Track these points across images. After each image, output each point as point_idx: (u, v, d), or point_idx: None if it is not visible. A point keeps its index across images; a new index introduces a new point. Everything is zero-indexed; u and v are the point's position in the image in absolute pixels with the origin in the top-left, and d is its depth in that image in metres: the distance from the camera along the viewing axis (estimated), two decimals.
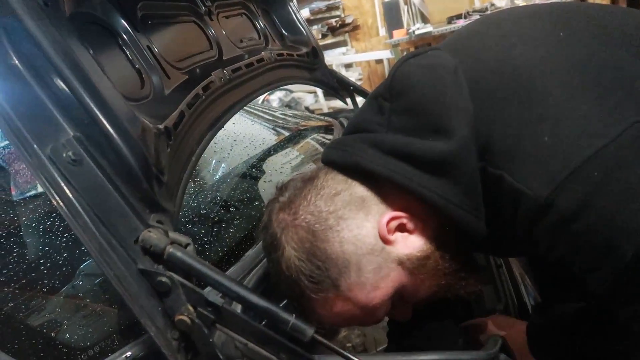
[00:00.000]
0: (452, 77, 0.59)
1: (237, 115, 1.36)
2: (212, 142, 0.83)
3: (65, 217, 0.46)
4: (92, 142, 0.51)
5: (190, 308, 0.50)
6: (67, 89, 0.50)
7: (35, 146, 0.46)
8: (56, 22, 0.51)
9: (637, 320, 0.55)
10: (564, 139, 0.52)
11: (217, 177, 1.16)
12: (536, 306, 0.92)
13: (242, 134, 1.30)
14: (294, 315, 0.51)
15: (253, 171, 1.23)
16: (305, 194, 0.64)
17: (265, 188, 1.17)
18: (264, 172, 1.24)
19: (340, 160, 0.65)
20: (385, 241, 0.62)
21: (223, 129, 0.89)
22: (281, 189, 0.69)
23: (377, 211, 0.63)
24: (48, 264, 0.73)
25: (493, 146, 0.56)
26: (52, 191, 0.46)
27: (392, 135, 0.61)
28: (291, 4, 1.38)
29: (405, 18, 4.70)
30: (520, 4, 3.70)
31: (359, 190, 0.64)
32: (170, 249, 0.50)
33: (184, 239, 0.54)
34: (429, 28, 3.96)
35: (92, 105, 0.50)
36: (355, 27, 5.26)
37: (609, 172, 0.50)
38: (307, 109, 4.79)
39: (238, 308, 0.55)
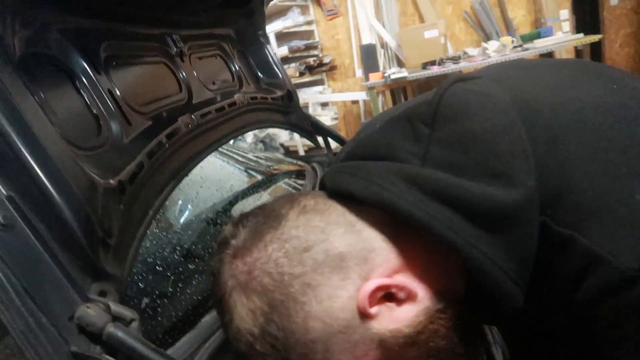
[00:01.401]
0: (513, 112, 0.48)
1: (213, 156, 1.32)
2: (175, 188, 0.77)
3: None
4: (28, 202, 0.45)
5: None
6: (1, 140, 0.44)
7: None
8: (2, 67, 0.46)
9: None
10: None
11: (179, 225, 1.09)
12: None
13: (210, 178, 1.24)
14: None
15: (220, 218, 1.17)
16: (265, 243, 0.49)
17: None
18: (231, 218, 1.18)
19: (361, 193, 0.49)
20: (365, 315, 0.48)
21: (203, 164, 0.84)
22: (236, 224, 0.52)
23: (359, 274, 0.48)
24: None
25: (563, 200, 0.45)
26: None
27: (433, 171, 0.48)
28: (268, 47, 1.36)
29: (381, 61, 4.82)
30: (492, 54, 3.84)
31: (339, 243, 0.48)
32: (111, 329, 0.44)
33: (129, 313, 0.47)
34: (404, 73, 4.05)
35: (29, 158, 0.44)
36: (332, 67, 5.36)
37: None
38: (281, 145, 4.77)
39: None
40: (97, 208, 0.50)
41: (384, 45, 4.88)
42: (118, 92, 0.72)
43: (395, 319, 0.49)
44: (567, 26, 4.42)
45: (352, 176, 0.52)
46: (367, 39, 4.92)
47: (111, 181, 0.55)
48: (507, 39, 3.99)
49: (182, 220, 1.10)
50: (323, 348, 0.48)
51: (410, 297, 0.49)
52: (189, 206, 1.14)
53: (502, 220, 0.45)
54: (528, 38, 4.11)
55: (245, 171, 1.50)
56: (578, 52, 4.55)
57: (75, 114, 0.62)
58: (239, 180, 1.39)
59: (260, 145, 4.48)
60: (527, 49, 3.80)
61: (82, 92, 0.65)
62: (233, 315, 0.49)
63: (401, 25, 4.92)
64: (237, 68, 1.25)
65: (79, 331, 0.44)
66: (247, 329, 0.48)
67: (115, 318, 0.46)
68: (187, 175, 0.81)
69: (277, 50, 4.50)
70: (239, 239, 0.51)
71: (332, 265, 0.48)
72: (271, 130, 4.48)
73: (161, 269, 0.82)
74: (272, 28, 4.60)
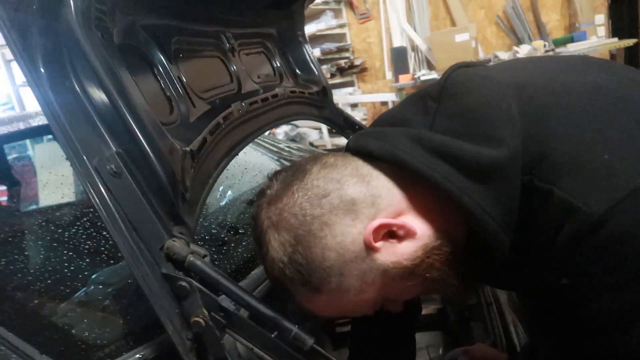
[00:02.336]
0: (507, 90, 0.60)
1: (248, 146, 1.45)
2: (226, 167, 0.90)
3: (104, 220, 0.53)
4: (130, 158, 0.58)
5: (205, 312, 0.55)
6: (114, 110, 0.57)
7: (84, 157, 0.53)
8: (109, 52, 0.59)
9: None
10: (625, 159, 0.53)
11: (228, 201, 1.22)
12: (524, 346, 0.95)
13: (252, 163, 1.37)
14: (296, 326, 0.56)
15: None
16: (292, 192, 0.61)
17: None
18: None
19: (377, 151, 0.62)
20: (371, 248, 0.59)
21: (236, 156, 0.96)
22: (271, 179, 0.65)
23: (367, 216, 0.59)
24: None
25: (545, 160, 0.55)
26: (96, 198, 0.53)
27: (436, 134, 0.59)
28: (306, 46, 1.48)
29: (411, 64, 4.89)
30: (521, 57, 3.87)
31: (351, 190, 0.60)
32: (191, 258, 0.56)
33: (202, 250, 0.60)
34: (434, 75, 4.12)
35: (133, 125, 0.57)
36: (363, 69, 5.45)
37: None
38: (311, 144, 4.90)
39: (247, 316, 0.60)
40: (178, 168, 0.62)
41: (414, 48, 4.95)
42: (185, 80, 0.85)
43: (396, 253, 0.60)
44: (602, 31, 4.39)
45: (371, 137, 0.65)
46: (398, 42, 5.00)
47: (186, 149, 0.68)
48: (538, 43, 4.01)
49: (225, 200, 1.23)
50: (337, 273, 0.60)
51: (410, 234, 0.60)
52: (230, 189, 1.27)
53: (489, 173, 0.56)
54: (561, 42, 4.11)
55: (279, 160, 1.62)
56: (612, 56, 4.51)
57: (155, 95, 0.75)
58: (273, 167, 1.52)
59: (291, 143, 4.62)
60: (559, 53, 3.80)
61: (159, 78, 0.79)
62: (268, 247, 0.61)
63: (433, 29, 4.98)
64: (279, 64, 1.37)
65: (166, 259, 0.56)
66: (279, 258, 0.60)
67: (193, 252, 0.58)
68: (238, 154, 0.94)
69: None
70: (272, 190, 0.63)
71: (345, 208, 0.60)
72: (301, 130, 4.62)
73: (217, 231, 0.95)
74: (306, 30, 4.73)
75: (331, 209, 0.59)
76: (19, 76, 5.68)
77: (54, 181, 1.30)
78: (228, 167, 0.93)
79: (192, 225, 0.66)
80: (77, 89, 0.56)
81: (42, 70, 0.54)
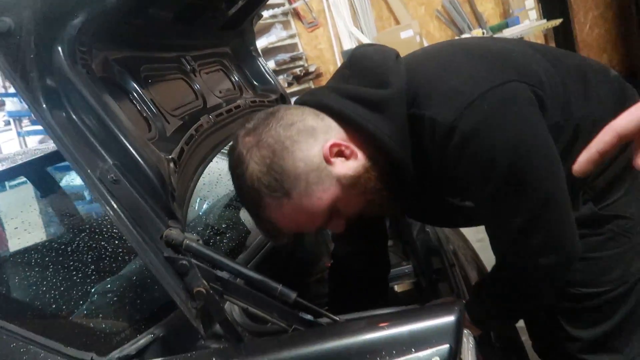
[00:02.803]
0: (393, 55, 0.86)
1: (219, 156, 1.57)
2: (202, 174, 1.02)
3: (113, 220, 0.65)
4: (125, 168, 0.70)
5: (205, 282, 0.67)
6: (106, 130, 0.69)
7: (88, 171, 0.65)
8: (95, 84, 0.71)
9: (524, 233, 0.78)
10: (466, 81, 0.76)
11: (207, 205, 1.34)
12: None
13: (225, 170, 1.50)
14: (280, 285, 0.70)
15: (235, 202, 1.42)
16: (267, 122, 0.81)
17: (244, 216, 1.36)
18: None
19: (310, 101, 0.86)
20: (328, 162, 0.80)
21: (209, 166, 1.09)
22: (246, 119, 0.86)
23: (323, 139, 0.80)
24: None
25: (418, 96, 0.78)
26: (103, 202, 0.65)
27: (349, 85, 0.84)
28: (260, 59, 1.62)
29: None
30: None
31: (310, 122, 0.81)
32: (187, 241, 0.69)
33: (194, 236, 0.72)
34: None
35: (124, 140, 0.70)
36: (318, 75, 5.62)
37: (494, 107, 0.73)
38: None
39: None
40: (166, 172, 0.74)
41: None
42: (157, 101, 0.97)
43: (345, 167, 0.81)
44: (534, 14, 4.70)
45: (306, 95, 0.90)
46: (347, 45, 5.20)
47: (169, 157, 0.80)
48: (477, 32, 4.28)
49: (209, 201, 1.35)
50: (304, 179, 0.79)
51: (353, 155, 0.82)
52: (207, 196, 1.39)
53: (382, 106, 0.79)
54: (497, 28, 4.40)
55: None
56: (545, 37, 4.84)
57: (134, 117, 0.87)
58: None
59: None
60: None
61: (135, 102, 0.91)
62: (248, 163, 0.79)
63: (378, 29, 5.21)
64: (237, 78, 1.51)
65: (166, 245, 0.69)
66: (258, 169, 0.78)
67: (187, 237, 0.70)
68: (212, 159, 1.06)
69: None
70: (250, 124, 0.84)
71: (308, 133, 0.80)
72: None
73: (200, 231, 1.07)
74: (258, 45, 4.87)
75: (298, 132, 0.80)
76: None
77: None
78: (204, 176, 1.05)
79: (182, 219, 0.78)
80: (74, 116, 0.68)
81: (44, 105, 0.66)
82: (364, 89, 0.81)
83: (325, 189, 0.80)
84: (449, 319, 0.62)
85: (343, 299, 1.03)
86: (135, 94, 0.92)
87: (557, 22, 4.33)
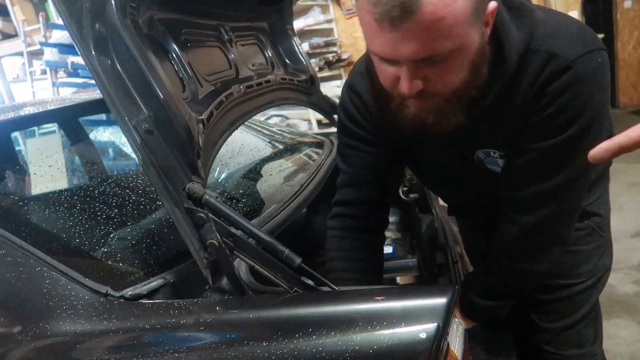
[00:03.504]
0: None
1: (243, 128, 1.62)
2: (225, 143, 1.07)
3: (143, 167, 0.70)
4: (159, 120, 0.75)
5: (218, 236, 0.72)
6: (145, 83, 0.74)
7: (126, 118, 0.70)
8: (140, 39, 0.76)
9: (551, 196, 0.82)
10: (586, 31, 0.77)
11: (226, 173, 1.40)
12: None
13: (248, 141, 1.55)
14: (287, 249, 0.74)
15: (253, 173, 1.48)
16: None
17: (262, 187, 1.41)
18: (261, 175, 1.48)
19: None
20: (487, 23, 0.73)
21: (233, 135, 1.13)
22: None
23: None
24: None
25: (537, 31, 0.76)
26: (136, 149, 0.70)
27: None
28: (295, 38, 1.66)
29: None
30: None
31: None
32: (207, 196, 0.74)
33: (214, 193, 0.77)
34: None
35: (161, 95, 0.74)
36: (350, 63, 5.62)
37: (602, 64, 0.76)
38: None
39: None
40: (195, 130, 0.79)
41: None
42: (193, 65, 1.02)
43: (486, 34, 0.74)
44: None
45: None
46: None
47: (199, 117, 0.85)
48: None
49: (229, 170, 1.41)
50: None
51: (488, 25, 0.74)
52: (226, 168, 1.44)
53: (522, 12, 0.78)
54: None
55: (270, 142, 1.80)
56: None
57: (171, 76, 0.92)
58: (268, 147, 1.69)
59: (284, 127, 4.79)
60: None
61: (173, 63, 0.96)
62: None
63: None
64: (270, 54, 1.55)
65: (187, 197, 0.74)
66: None
67: (207, 193, 0.75)
68: (238, 128, 1.11)
69: None
70: None
71: None
72: (291, 121, 4.79)
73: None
74: (294, 25, 4.89)
75: None
76: (10, 72, 5.79)
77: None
78: (227, 143, 1.10)
79: (204, 177, 0.83)
80: (118, 66, 0.73)
81: (93, 52, 0.71)
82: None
83: (478, 27, 0.71)
84: (441, 300, 0.65)
85: (340, 259, 1.02)
86: (174, 55, 0.97)
87: (599, 35, 4.24)
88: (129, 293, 0.74)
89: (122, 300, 0.73)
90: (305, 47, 5.15)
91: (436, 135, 0.82)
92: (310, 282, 0.73)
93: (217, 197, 0.76)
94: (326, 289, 0.74)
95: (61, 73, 4.77)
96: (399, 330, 0.63)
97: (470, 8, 0.67)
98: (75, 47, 0.69)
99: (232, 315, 0.68)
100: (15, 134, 1.50)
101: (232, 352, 0.61)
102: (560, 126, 0.78)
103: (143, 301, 0.73)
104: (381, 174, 1.02)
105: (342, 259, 1.01)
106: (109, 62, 0.72)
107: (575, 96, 0.76)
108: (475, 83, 0.76)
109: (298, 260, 0.73)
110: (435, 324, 0.63)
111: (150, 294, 0.76)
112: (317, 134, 1.89)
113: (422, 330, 0.62)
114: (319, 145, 1.73)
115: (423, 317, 0.64)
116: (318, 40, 5.36)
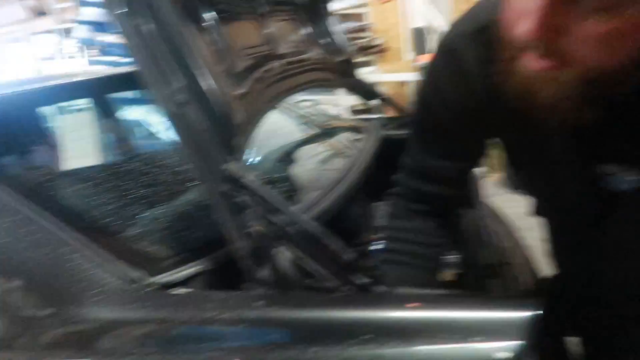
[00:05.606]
0: None
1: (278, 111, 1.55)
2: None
3: (178, 136, 0.63)
4: (193, 92, 0.67)
5: (261, 224, 0.65)
6: (181, 52, 0.67)
7: (160, 88, 0.63)
8: (176, 3, 0.69)
9: None
10: None
11: (260, 156, 1.33)
12: None
13: (280, 125, 1.48)
14: (340, 242, 0.66)
15: (287, 157, 1.41)
16: None
17: (297, 172, 1.34)
18: (298, 159, 1.41)
19: None
20: None
21: (269, 117, 1.06)
22: None
23: None
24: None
25: None
26: (171, 119, 0.63)
27: None
28: (332, 19, 1.57)
29: (428, 45, 4.90)
30: None
31: None
32: (248, 178, 0.66)
33: (253, 174, 0.69)
34: None
35: (197, 66, 0.67)
36: (382, 50, 5.48)
37: None
38: None
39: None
40: (231, 105, 0.72)
41: (432, 30, 4.95)
42: (231, 37, 0.94)
43: None
44: None
45: None
46: (418, 23, 5.01)
47: (236, 92, 0.77)
48: None
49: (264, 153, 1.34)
50: None
51: None
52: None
53: None
54: None
55: (307, 124, 1.72)
56: None
57: (208, 47, 0.84)
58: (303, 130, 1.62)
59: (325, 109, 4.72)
60: None
61: (209, 32, 0.88)
62: None
63: (456, 10, 4.98)
64: (307, 32, 1.46)
65: (225, 178, 0.66)
66: None
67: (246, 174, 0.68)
68: (274, 106, 1.03)
69: None
70: None
71: None
72: (322, 107, 4.70)
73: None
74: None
75: None
76: (41, 50, 5.84)
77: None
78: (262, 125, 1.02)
79: (242, 153, 0.76)
80: (153, 31, 0.66)
81: (127, 17, 0.64)
82: None
83: None
84: (525, 314, 0.55)
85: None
86: (210, 24, 0.89)
87: None
88: (163, 280, 0.68)
89: (154, 287, 0.67)
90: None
91: (550, 131, 0.63)
92: (364, 280, 0.64)
93: (258, 180, 0.68)
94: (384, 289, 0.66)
95: (93, 52, 4.80)
96: (468, 346, 0.54)
97: None
98: (107, 11, 0.62)
99: (276, 313, 0.60)
100: (47, 108, 1.47)
101: (275, 356, 0.54)
102: None
103: (176, 290, 0.67)
104: (467, 168, 0.84)
105: (408, 242, 0.82)
106: (144, 26, 0.65)
107: None
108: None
109: (353, 255, 0.65)
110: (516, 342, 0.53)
111: (184, 282, 0.69)
112: (356, 118, 1.80)
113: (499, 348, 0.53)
114: (361, 130, 1.64)
115: (501, 332, 0.54)
116: (351, 24, 5.23)
